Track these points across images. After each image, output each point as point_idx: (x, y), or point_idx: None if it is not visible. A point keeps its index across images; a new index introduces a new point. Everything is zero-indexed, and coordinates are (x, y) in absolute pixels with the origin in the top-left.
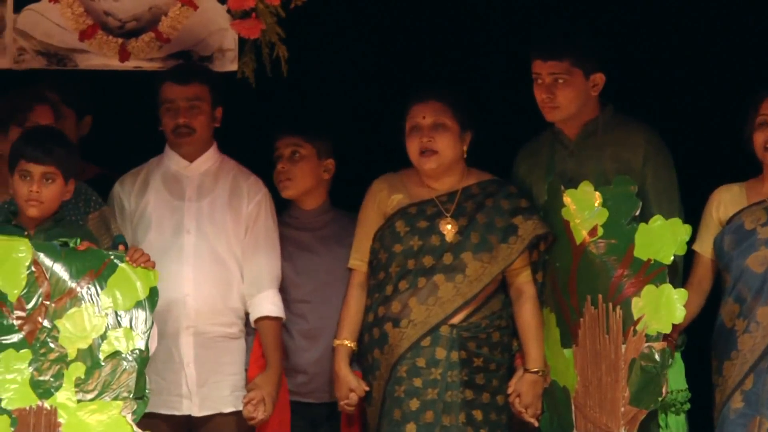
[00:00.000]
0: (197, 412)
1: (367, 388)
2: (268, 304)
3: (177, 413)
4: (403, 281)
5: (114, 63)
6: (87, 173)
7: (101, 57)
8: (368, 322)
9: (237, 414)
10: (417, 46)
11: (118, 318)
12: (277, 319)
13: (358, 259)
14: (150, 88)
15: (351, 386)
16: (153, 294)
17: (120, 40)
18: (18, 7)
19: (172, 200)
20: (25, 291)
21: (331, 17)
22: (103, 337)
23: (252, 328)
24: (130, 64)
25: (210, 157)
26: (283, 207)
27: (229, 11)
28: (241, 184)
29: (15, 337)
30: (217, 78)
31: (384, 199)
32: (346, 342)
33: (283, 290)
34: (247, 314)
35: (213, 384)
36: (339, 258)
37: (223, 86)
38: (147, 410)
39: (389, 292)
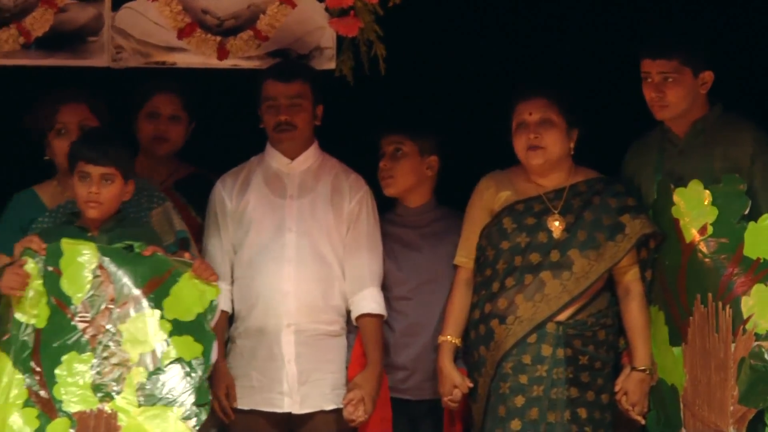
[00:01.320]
0: (298, 410)
1: (471, 385)
2: (370, 302)
3: (278, 411)
4: (510, 278)
5: (212, 61)
6: (180, 172)
7: (199, 55)
8: (474, 319)
9: (338, 411)
10: (523, 41)
11: (181, 326)
12: (378, 316)
13: (465, 257)
14: (248, 86)
15: (455, 382)
16: (212, 307)
17: (218, 39)
18: (116, 6)
19: (274, 198)
20: (89, 294)
21: (430, 14)
22: (166, 343)
23: (354, 326)
24: (228, 63)
25: (311, 155)
26: (389, 205)
27: (327, 9)
28: (343, 181)
29: (78, 340)
30: (318, 76)
31: (491, 196)
32: (451, 338)
33: (386, 287)
34: (348, 312)
35: (314, 382)
36: (442, 255)
37: (323, 84)
38: (248, 407)
39: (496, 289)
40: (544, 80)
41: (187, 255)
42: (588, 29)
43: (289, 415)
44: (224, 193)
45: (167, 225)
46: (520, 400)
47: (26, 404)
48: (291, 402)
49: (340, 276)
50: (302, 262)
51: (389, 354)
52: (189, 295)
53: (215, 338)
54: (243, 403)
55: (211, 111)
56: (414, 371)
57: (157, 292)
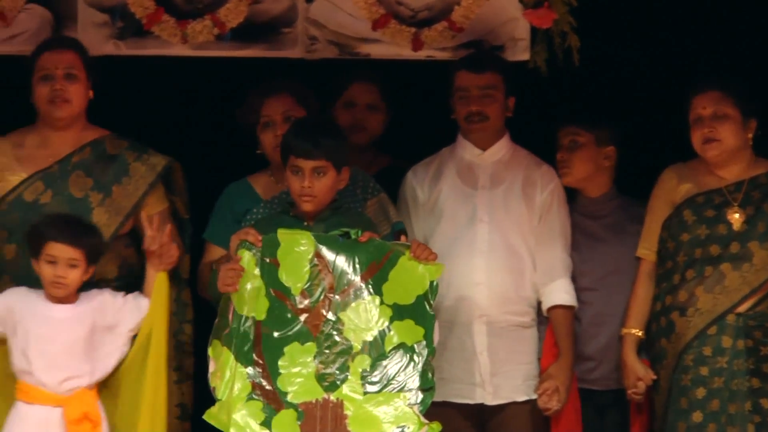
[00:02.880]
0: (490, 401)
1: (654, 377)
2: (562, 293)
3: (470, 402)
4: (690, 270)
5: (406, 53)
6: (378, 164)
7: (393, 46)
8: (656, 311)
9: (530, 402)
10: (708, 33)
11: (401, 310)
12: (570, 307)
13: (647, 248)
14: (441, 77)
15: (639, 375)
16: (434, 288)
17: (413, 30)
18: None
19: (465, 189)
20: (308, 284)
21: (623, 6)
22: (388, 329)
23: (544, 317)
24: (422, 54)
25: (503, 146)
26: (570, 197)
27: (521, 1)
28: (534, 172)
29: (299, 331)
30: (511, 67)
31: (673, 188)
32: (634, 330)
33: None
34: (538, 303)
35: (506, 373)
36: (626, 245)
37: (515, 75)
38: (440, 399)
39: (676, 281)
40: (719, 72)
41: (403, 238)
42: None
43: (481, 406)
44: (416, 183)
45: (382, 215)
46: (701, 392)
47: (250, 397)
48: (483, 393)
49: (530, 267)
50: (494, 253)
51: (576, 344)
52: (408, 277)
53: (435, 319)
54: (435, 395)
55: (404, 102)
56: (601, 362)
57: (376, 277)
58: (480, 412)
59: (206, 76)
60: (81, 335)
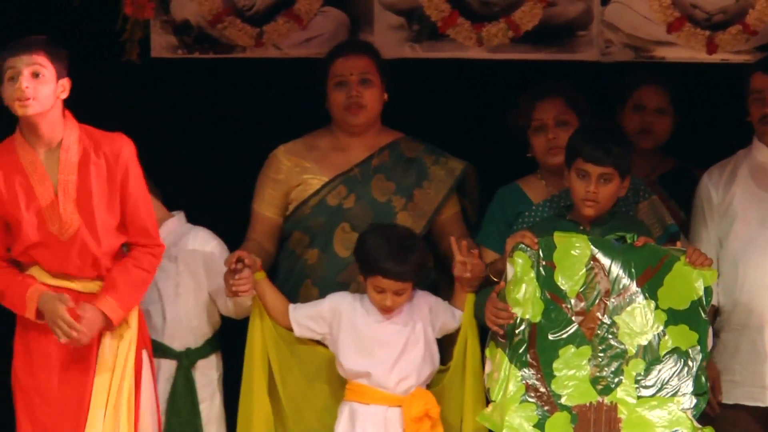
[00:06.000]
0: None
1: None
2: None
3: (761, 405)
4: None
5: (701, 56)
6: (664, 166)
7: (688, 50)
8: None
9: None
10: None
11: (676, 315)
12: None
13: None
14: (734, 80)
15: None
16: (707, 294)
17: (707, 33)
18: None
19: (759, 192)
20: (584, 287)
21: None
22: (663, 333)
23: None
24: (717, 57)
25: None
26: None
27: None
28: None
29: (574, 333)
30: None
31: None
32: None
33: None
34: None
35: None
36: None
37: None
38: (731, 402)
39: None
40: None
41: (678, 243)
42: None
43: None
44: (710, 186)
45: (654, 218)
46: None
47: (524, 399)
48: None
49: None
50: None
51: None
52: (683, 283)
53: (710, 325)
54: (726, 398)
55: (695, 105)
56: None
57: (651, 282)
58: None
59: (498, 78)
60: (414, 337)
